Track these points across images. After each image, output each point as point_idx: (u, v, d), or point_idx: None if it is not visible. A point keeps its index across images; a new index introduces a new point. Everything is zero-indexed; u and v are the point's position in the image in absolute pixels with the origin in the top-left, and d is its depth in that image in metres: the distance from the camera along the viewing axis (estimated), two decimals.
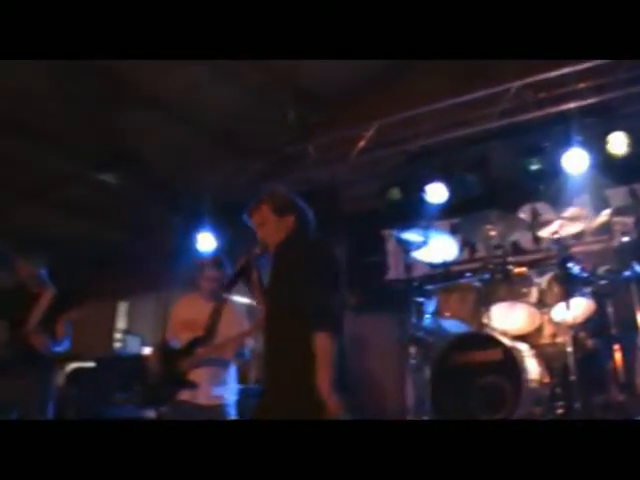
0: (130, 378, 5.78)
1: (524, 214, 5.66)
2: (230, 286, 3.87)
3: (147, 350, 6.45)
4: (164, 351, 4.77)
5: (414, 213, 6.15)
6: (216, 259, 5.05)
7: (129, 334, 6.52)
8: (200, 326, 4.59)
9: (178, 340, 4.71)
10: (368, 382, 6.38)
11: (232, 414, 4.64)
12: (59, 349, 5.08)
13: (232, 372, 4.81)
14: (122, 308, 7.66)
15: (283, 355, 3.05)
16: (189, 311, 4.85)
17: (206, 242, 6.91)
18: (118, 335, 5.77)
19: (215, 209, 7.13)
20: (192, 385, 4.53)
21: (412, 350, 5.61)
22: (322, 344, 2.91)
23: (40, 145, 6.51)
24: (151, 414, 5.78)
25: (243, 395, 4.86)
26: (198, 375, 4.56)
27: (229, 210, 7.24)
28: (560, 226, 5.01)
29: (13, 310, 5.08)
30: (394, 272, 6.71)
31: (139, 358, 6.08)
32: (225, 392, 4.68)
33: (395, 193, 6.34)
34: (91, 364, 6.60)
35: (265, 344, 3.15)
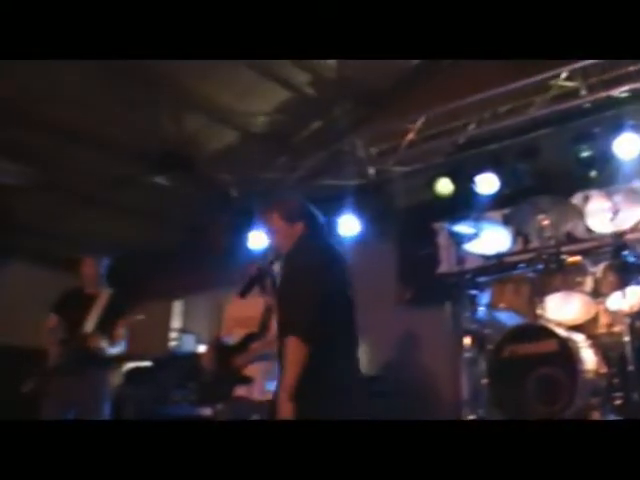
0: (186, 376, 5.85)
1: (577, 202, 5.55)
2: (245, 292, 3.90)
3: (202, 348, 6.53)
4: (218, 349, 4.84)
5: (465, 205, 6.08)
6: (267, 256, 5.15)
7: (184, 333, 6.62)
8: (253, 323, 4.64)
9: (232, 337, 4.78)
10: (422, 376, 6.35)
11: None
12: (116, 350, 5.19)
13: None
14: (177, 307, 7.79)
15: (280, 360, 3.07)
16: (242, 309, 4.90)
17: (258, 240, 6.96)
18: (174, 334, 5.85)
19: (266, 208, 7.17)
20: (247, 380, 4.58)
21: (466, 343, 5.56)
22: (290, 349, 2.94)
23: (96, 149, 6.64)
24: (207, 412, 5.86)
25: None
26: (253, 371, 4.62)
27: None
28: (614, 213, 4.91)
29: (72, 311, 5.21)
30: (446, 265, 6.64)
31: (194, 356, 6.15)
32: None
33: (445, 185, 6.26)
34: (148, 363, 6.71)
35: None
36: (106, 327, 5.04)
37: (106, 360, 5.17)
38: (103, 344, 5.04)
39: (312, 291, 3.04)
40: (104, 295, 5.28)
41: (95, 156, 6.74)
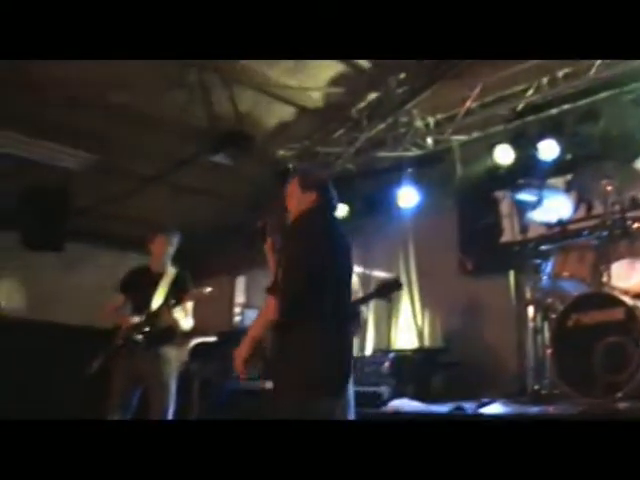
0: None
1: None
2: (248, 245, 3.99)
3: None
4: None
5: (526, 172, 5.95)
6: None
7: (247, 308, 6.70)
8: None
9: None
10: (486, 347, 6.31)
11: None
12: (186, 326, 5.30)
13: None
14: (240, 283, 7.90)
15: None
16: None
17: None
18: (237, 309, 5.92)
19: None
20: None
21: (530, 313, 5.50)
22: (266, 305, 3.22)
23: (155, 131, 6.73)
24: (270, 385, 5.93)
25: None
26: None
27: (341, 181, 7.31)
28: None
29: (139, 290, 5.31)
30: (509, 234, 6.55)
31: None
32: None
33: (505, 153, 6.15)
34: (213, 339, 6.81)
35: None
36: (174, 304, 5.15)
37: (174, 336, 5.28)
38: (171, 321, 5.16)
39: (305, 260, 3.19)
40: (170, 273, 5.38)
41: (155, 138, 6.85)
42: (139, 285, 5.33)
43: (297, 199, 3.51)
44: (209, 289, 5.22)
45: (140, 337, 5.07)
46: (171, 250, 5.45)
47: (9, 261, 7.17)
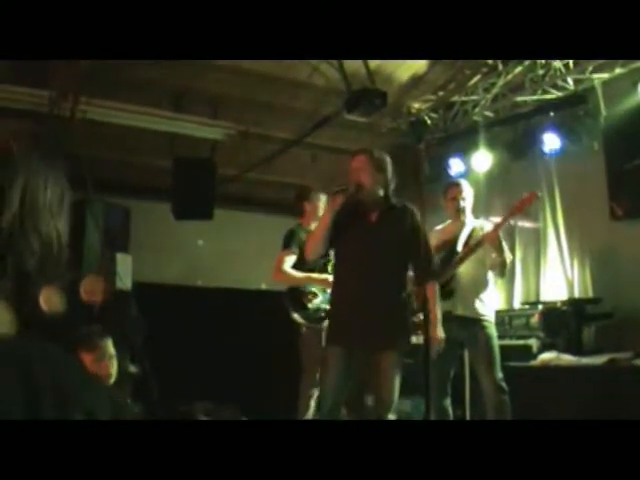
0: None
1: None
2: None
3: None
4: None
5: None
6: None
7: None
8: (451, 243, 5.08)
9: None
10: (638, 294, 5.97)
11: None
12: None
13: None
14: None
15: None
16: (442, 237, 5.09)
17: (458, 167, 6.92)
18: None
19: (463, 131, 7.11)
20: (450, 293, 4.92)
21: None
22: (433, 292, 4.17)
23: (289, 94, 6.85)
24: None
25: None
26: (456, 284, 4.99)
27: (481, 130, 7.15)
28: None
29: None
30: None
31: None
32: (485, 308, 5.02)
33: None
34: None
35: None
36: None
37: None
38: None
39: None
40: None
41: (291, 101, 6.97)
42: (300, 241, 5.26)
43: (373, 178, 3.99)
44: None
45: None
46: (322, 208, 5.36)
47: (162, 231, 7.56)
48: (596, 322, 5.94)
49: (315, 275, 5.21)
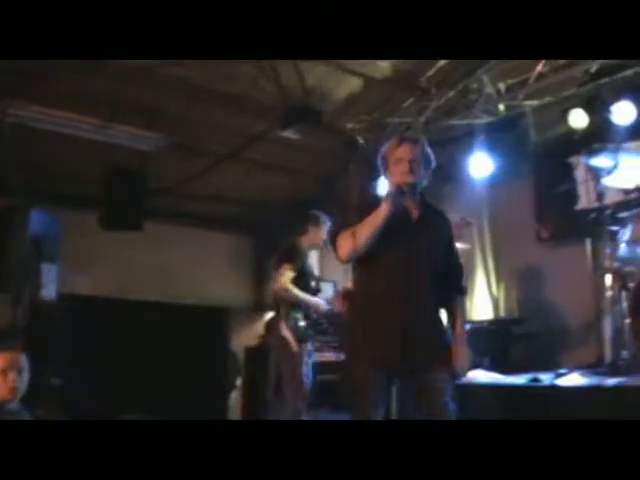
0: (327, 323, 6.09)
1: None
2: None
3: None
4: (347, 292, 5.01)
5: (602, 136, 5.76)
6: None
7: (323, 281, 6.75)
8: None
9: None
10: (563, 316, 6.18)
11: None
12: None
13: None
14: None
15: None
16: None
17: (383, 186, 6.99)
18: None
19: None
20: None
21: (608, 281, 5.36)
22: (461, 306, 3.68)
23: (225, 108, 6.81)
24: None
25: None
26: None
27: None
28: None
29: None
30: (585, 201, 6.36)
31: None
32: None
33: (580, 117, 5.95)
34: None
35: None
36: None
37: None
38: None
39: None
40: None
41: (226, 115, 6.93)
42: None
43: (422, 172, 3.44)
44: None
45: None
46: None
47: (92, 243, 7.42)
48: (521, 341, 6.10)
49: (315, 299, 5.60)
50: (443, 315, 3.53)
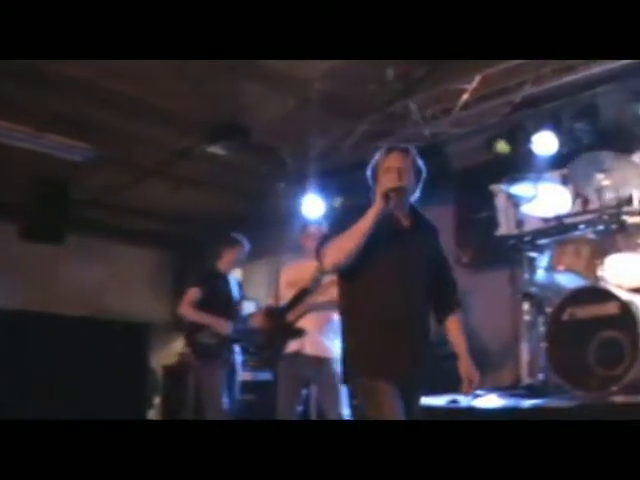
0: (247, 342, 6.03)
1: (638, 160, 5.37)
2: None
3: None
4: (270, 310, 4.96)
5: (523, 165, 5.95)
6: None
7: (245, 300, 6.71)
8: (306, 282, 4.81)
9: (285, 300, 4.87)
10: (481, 340, 6.31)
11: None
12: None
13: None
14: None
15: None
16: (295, 273, 5.04)
17: (314, 206, 7.03)
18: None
19: (321, 172, 7.23)
20: (299, 333, 4.74)
21: (526, 306, 5.52)
22: (460, 326, 3.87)
23: (154, 122, 6.73)
24: (267, 376, 5.96)
25: None
26: (306, 324, 4.77)
27: (335, 173, 7.30)
28: None
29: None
30: (505, 227, 6.55)
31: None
32: (333, 346, 4.71)
33: (502, 146, 6.15)
34: None
35: None
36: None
37: None
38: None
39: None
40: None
41: (153, 129, 6.85)
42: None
43: (413, 180, 3.37)
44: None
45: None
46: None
47: (10, 254, 7.19)
48: (439, 363, 6.17)
49: (215, 319, 5.62)
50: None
